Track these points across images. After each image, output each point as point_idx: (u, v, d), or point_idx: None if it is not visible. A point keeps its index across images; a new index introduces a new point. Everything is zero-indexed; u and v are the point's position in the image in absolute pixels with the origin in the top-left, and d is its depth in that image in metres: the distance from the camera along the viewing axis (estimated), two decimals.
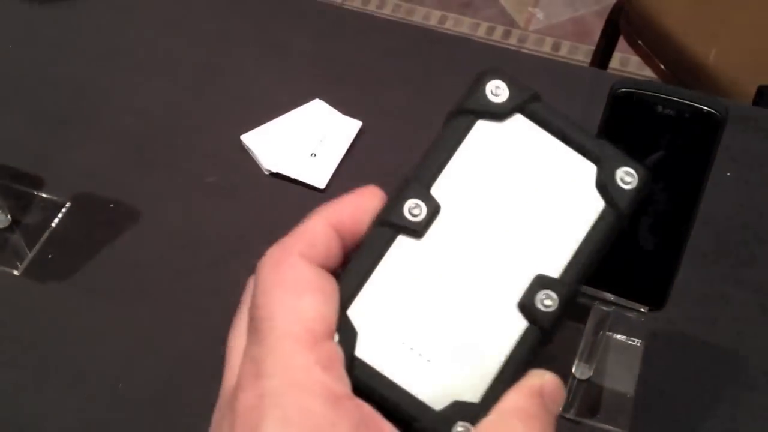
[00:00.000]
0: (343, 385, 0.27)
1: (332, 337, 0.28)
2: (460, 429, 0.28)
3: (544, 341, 0.29)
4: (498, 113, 0.30)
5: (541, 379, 0.30)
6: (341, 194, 0.31)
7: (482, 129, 0.30)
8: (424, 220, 0.29)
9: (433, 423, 0.28)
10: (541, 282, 0.29)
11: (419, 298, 0.29)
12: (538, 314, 0.29)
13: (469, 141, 0.30)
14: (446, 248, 0.29)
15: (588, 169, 0.30)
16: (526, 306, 0.29)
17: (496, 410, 0.29)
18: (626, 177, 0.30)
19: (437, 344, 0.29)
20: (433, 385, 0.29)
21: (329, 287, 0.29)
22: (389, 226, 0.29)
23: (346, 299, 0.29)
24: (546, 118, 0.31)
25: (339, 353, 0.28)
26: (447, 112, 0.31)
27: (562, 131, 0.31)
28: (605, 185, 0.30)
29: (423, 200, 0.29)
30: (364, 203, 0.31)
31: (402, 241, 0.29)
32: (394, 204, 0.30)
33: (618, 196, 0.30)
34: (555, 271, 0.29)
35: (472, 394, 0.29)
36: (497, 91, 0.30)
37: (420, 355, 0.29)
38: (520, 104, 0.30)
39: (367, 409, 0.27)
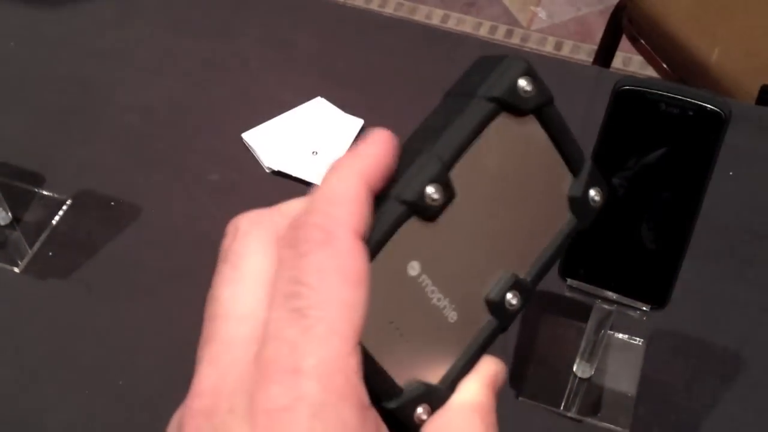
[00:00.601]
0: (366, 392, 0.26)
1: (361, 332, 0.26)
2: (420, 410, 0.29)
3: (500, 333, 0.31)
4: (521, 110, 0.30)
5: (496, 368, 0.30)
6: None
7: (502, 121, 0.30)
8: (440, 206, 0.28)
9: (397, 403, 0.28)
10: (512, 282, 0.31)
11: (409, 279, 0.29)
12: (504, 311, 0.31)
13: (489, 131, 0.29)
14: (442, 235, 0.29)
15: (567, 180, 0.32)
16: (495, 302, 0.30)
17: (458, 404, 0.29)
18: (596, 196, 0.32)
19: (412, 322, 0.29)
20: (402, 361, 0.29)
21: (366, 275, 0.26)
22: (407, 206, 0.28)
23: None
24: (552, 124, 0.31)
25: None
26: (468, 87, 0.30)
27: (560, 140, 0.31)
28: (577, 200, 0.32)
29: (443, 185, 0.28)
30: (388, 158, 0.28)
31: (412, 221, 0.28)
32: (413, 181, 0.28)
33: (586, 212, 0.32)
34: (523, 270, 0.31)
35: (434, 375, 0.30)
36: (527, 87, 0.29)
37: (397, 329, 0.29)
38: (539, 105, 0.30)
39: (377, 417, 0.26)
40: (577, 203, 0.32)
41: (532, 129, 0.30)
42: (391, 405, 0.28)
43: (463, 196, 0.29)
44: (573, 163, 0.32)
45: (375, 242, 0.27)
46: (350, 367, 0.25)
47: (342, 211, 0.26)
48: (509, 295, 0.30)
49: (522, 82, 0.29)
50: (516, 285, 0.31)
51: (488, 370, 0.30)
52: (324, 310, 0.25)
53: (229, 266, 0.29)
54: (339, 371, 0.25)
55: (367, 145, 0.29)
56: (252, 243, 0.29)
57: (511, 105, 0.29)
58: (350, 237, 0.26)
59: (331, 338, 0.25)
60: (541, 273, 0.32)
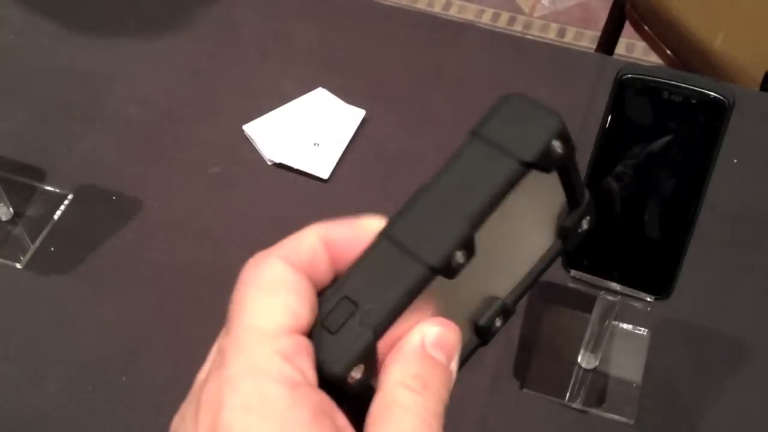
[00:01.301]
0: (303, 375, 0.27)
1: (302, 333, 0.28)
2: (354, 373, 0.28)
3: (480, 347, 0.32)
4: (548, 169, 0.30)
5: (420, 334, 0.29)
6: (345, 185, 0.30)
7: (530, 179, 0.30)
8: (463, 266, 0.29)
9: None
10: (501, 309, 0.32)
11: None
12: (489, 334, 0.32)
13: (517, 190, 0.29)
14: (451, 282, 0.30)
15: (564, 212, 0.33)
16: (484, 328, 0.32)
17: (381, 388, 0.29)
18: (585, 224, 0.33)
19: None
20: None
21: (306, 290, 0.29)
22: (434, 271, 0.28)
23: (381, 330, 0.28)
24: (569, 172, 0.31)
25: (307, 347, 0.28)
26: (498, 138, 0.30)
27: (571, 184, 0.32)
28: (569, 228, 0.33)
29: (469, 248, 0.29)
30: (363, 230, 0.30)
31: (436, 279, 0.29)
32: (443, 246, 0.28)
33: (574, 238, 0.33)
34: (505, 291, 0.32)
35: None
36: (559, 149, 0.29)
37: None
38: (564, 162, 0.30)
39: (325, 397, 0.27)
40: (568, 231, 0.33)
41: (550, 178, 0.31)
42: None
43: (480, 250, 0.29)
44: (576, 200, 0.32)
45: (397, 304, 0.28)
46: (271, 350, 0.27)
47: (277, 246, 0.30)
48: (496, 320, 0.32)
49: (555, 144, 0.29)
50: (503, 310, 0.32)
51: (411, 340, 0.30)
52: (242, 313, 0.28)
53: None
54: (257, 355, 0.27)
55: (348, 218, 0.31)
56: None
57: (541, 167, 0.29)
58: (273, 259, 0.29)
59: (248, 331, 0.27)
60: (523, 294, 0.33)
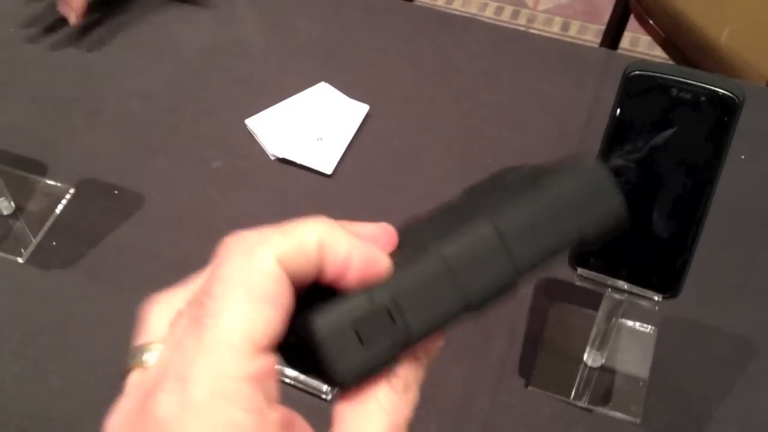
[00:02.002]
0: (268, 399, 0.26)
1: (271, 350, 0.27)
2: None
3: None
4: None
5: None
6: (349, 180, 0.30)
7: None
8: None
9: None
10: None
11: None
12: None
13: None
14: None
15: None
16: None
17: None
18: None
19: None
20: None
21: (290, 304, 0.27)
22: (469, 309, 0.30)
23: (405, 350, 0.29)
24: None
25: (273, 368, 0.27)
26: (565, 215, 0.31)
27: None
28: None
29: (510, 292, 0.31)
30: (363, 247, 0.29)
31: None
32: (487, 291, 0.30)
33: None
34: None
35: None
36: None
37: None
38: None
39: (285, 411, 0.27)
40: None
41: None
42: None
43: None
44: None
45: (430, 332, 0.29)
46: (243, 374, 0.25)
47: (276, 238, 0.27)
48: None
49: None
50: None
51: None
52: (219, 319, 0.26)
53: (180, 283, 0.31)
54: (227, 378, 0.25)
55: (359, 226, 0.30)
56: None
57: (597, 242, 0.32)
58: (269, 258, 0.27)
59: (222, 348, 0.25)
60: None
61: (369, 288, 0.28)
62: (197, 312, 0.26)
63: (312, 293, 0.28)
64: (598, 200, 0.31)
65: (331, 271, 0.28)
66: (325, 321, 0.28)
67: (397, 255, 0.30)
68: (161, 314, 0.29)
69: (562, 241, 0.31)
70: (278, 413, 0.26)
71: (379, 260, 0.29)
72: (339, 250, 0.28)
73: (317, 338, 0.28)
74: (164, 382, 0.26)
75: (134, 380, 0.28)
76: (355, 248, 0.28)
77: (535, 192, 0.31)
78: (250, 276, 0.26)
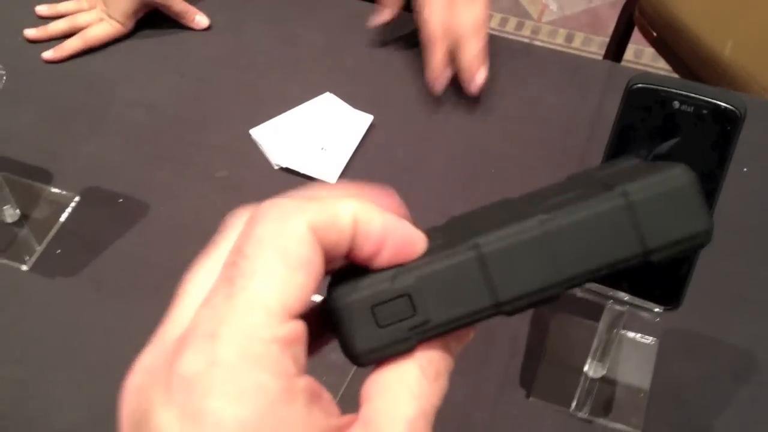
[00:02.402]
0: (296, 365, 0.25)
1: (302, 322, 0.26)
2: None
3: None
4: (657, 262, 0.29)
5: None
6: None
7: None
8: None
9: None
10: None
11: None
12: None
13: None
14: None
15: None
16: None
17: (393, 359, 0.28)
18: None
19: None
20: None
21: (320, 273, 0.27)
22: (499, 312, 0.28)
23: (422, 342, 0.28)
24: None
25: (304, 334, 0.26)
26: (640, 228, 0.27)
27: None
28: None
29: (548, 303, 0.29)
30: (408, 234, 0.28)
31: None
32: (522, 300, 0.28)
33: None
34: None
35: None
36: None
37: None
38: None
39: (312, 381, 0.26)
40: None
41: None
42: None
43: None
44: None
45: (452, 328, 0.28)
46: (273, 338, 0.25)
47: (311, 208, 0.27)
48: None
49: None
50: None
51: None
52: (253, 279, 0.25)
53: (204, 252, 0.30)
54: (258, 340, 0.25)
55: (381, 195, 0.29)
56: (230, 229, 0.30)
57: (656, 262, 0.28)
58: (303, 225, 0.26)
59: (254, 308, 0.25)
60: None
61: (397, 268, 0.28)
62: (230, 272, 0.26)
63: (347, 272, 0.28)
64: (675, 212, 0.27)
65: (365, 249, 0.27)
66: (344, 296, 0.27)
67: (434, 239, 0.28)
68: (235, 228, 0.29)
69: (619, 256, 0.27)
70: (306, 381, 0.26)
71: (414, 241, 0.28)
72: (373, 228, 0.27)
73: (336, 312, 0.27)
74: (192, 338, 0.25)
75: (161, 336, 0.27)
76: (391, 227, 0.28)
77: (599, 196, 0.27)
78: (284, 240, 0.26)
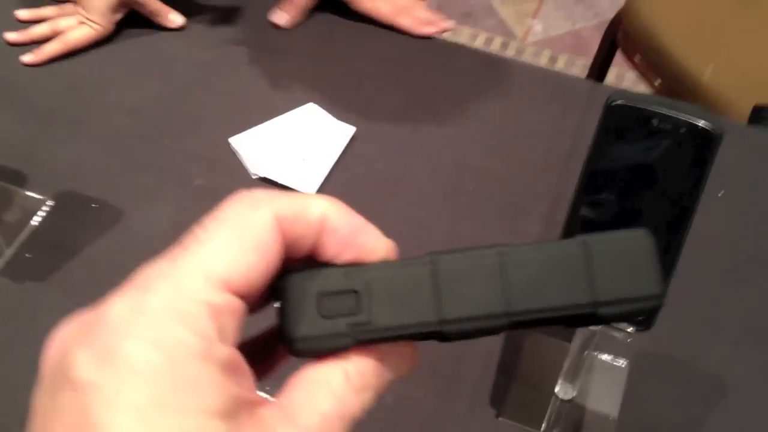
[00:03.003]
0: (223, 336, 0.26)
1: (242, 296, 0.26)
2: None
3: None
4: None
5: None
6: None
7: None
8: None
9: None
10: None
11: None
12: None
13: None
14: None
15: None
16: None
17: (324, 359, 0.28)
18: None
19: None
20: None
21: (275, 261, 0.27)
22: (440, 332, 0.28)
23: (362, 345, 0.28)
24: None
25: (239, 313, 0.26)
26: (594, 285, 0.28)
27: None
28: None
29: (490, 334, 0.29)
30: (373, 238, 0.29)
31: None
32: (466, 324, 0.28)
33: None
34: None
35: None
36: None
37: None
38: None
39: (235, 353, 0.26)
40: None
41: None
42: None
43: None
44: None
45: (392, 337, 0.28)
46: (205, 300, 0.25)
47: (282, 201, 0.27)
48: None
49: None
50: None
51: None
52: (201, 247, 0.26)
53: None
54: (188, 299, 0.25)
55: (369, 225, 0.30)
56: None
57: (608, 322, 0.29)
58: (269, 212, 0.27)
59: (193, 270, 0.26)
60: None
61: (354, 266, 0.28)
62: (186, 239, 0.27)
63: (307, 265, 0.28)
64: (630, 271, 0.28)
65: (329, 248, 0.28)
66: (295, 278, 0.28)
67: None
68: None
69: (569, 301, 0.27)
70: (226, 352, 0.25)
71: (379, 246, 0.29)
72: (340, 228, 0.28)
73: (283, 292, 0.28)
74: (125, 289, 0.26)
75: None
76: (357, 229, 0.28)
77: (560, 242, 0.28)
78: (246, 221, 0.27)
